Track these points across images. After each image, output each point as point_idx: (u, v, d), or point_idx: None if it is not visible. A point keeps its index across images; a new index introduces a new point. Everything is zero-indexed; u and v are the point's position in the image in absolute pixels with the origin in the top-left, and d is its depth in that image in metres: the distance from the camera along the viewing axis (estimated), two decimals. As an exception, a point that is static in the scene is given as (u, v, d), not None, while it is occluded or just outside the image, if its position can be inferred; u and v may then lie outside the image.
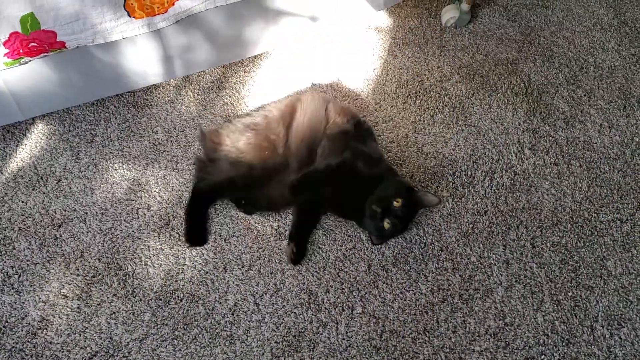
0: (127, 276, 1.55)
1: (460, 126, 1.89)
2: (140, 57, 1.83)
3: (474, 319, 1.47)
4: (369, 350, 1.42)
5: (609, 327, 1.45)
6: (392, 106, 1.95)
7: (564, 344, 1.42)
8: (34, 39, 1.55)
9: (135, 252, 1.59)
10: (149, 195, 1.71)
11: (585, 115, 1.91)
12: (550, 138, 1.84)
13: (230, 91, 1.98)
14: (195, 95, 1.97)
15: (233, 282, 1.53)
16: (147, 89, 1.98)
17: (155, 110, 1.93)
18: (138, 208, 1.68)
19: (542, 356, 1.40)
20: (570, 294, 1.50)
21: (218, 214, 1.66)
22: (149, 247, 1.60)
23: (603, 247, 1.59)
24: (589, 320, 1.46)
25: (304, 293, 1.52)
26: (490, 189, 1.71)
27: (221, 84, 2.00)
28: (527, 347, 1.42)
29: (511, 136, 1.85)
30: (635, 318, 1.46)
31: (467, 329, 1.45)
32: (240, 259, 1.57)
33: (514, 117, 1.91)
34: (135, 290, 1.53)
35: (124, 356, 1.42)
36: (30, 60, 1.64)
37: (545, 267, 1.55)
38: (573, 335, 1.44)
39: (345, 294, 1.52)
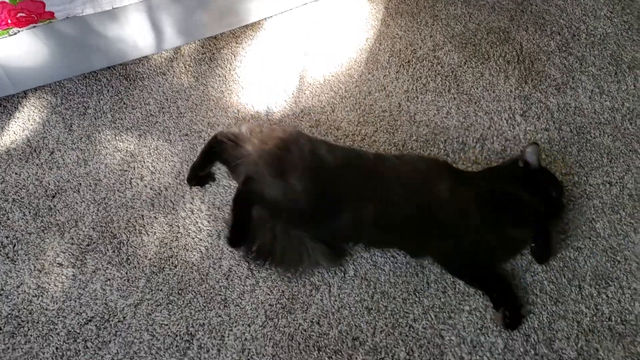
0: (122, 244, 1.57)
1: (453, 94, 1.89)
2: (131, 28, 1.83)
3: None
4: (360, 310, 1.44)
5: (597, 286, 1.47)
6: (384, 75, 1.95)
7: (552, 302, 1.44)
8: (22, 9, 1.55)
9: (129, 221, 1.61)
10: (142, 166, 1.72)
11: (577, 82, 1.91)
12: (542, 104, 1.85)
13: (222, 62, 1.98)
14: (187, 66, 1.98)
15: (227, 249, 1.54)
16: (138, 61, 1.98)
17: (147, 82, 1.93)
18: (131, 178, 1.70)
19: (531, 314, 1.42)
20: (559, 255, 1.51)
21: (211, 183, 1.67)
22: (142, 216, 1.62)
23: (592, 209, 1.61)
24: (577, 280, 1.48)
25: (305, 270, 1.52)
26: (482, 155, 1.72)
27: (212, 55, 2.00)
28: (516, 307, 1.44)
29: (503, 103, 1.86)
30: (622, 277, 1.48)
31: (457, 290, 1.47)
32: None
33: (505, 85, 1.91)
34: (129, 257, 1.54)
35: (119, 321, 1.44)
36: (19, 31, 1.64)
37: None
38: (561, 294, 1.46)
39: (338, 258, 1.53)
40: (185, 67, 1.98)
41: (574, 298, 1.45)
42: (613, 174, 1.68)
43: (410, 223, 1.44)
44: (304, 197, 1.43)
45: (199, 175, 1.65)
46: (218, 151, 1.63)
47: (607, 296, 1.46)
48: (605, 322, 1.42)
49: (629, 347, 1.38)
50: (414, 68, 1.97)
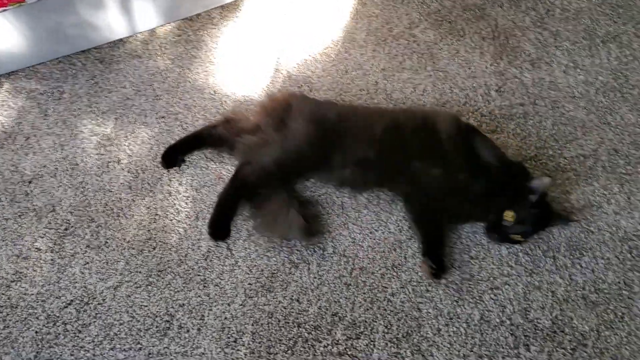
0: (100, 227, 1.56)
1: (429, 72, 1.90)
2: (105, 10, 1.81)
3: (441, 254, 1.51)
4: (339, 286, 1.45)
5: (571, 257, 1.49)
6: (361, 54, 1.95)
7: (527, 274, 1.47)
8: (-9, -8, 1.53)
9: (107, 205, 1.61)
10: (119, 149, 1.71)
11: (551, 57, 1.93)
12: (517, 80, 1.86)
13: (198, 44, 1.97)
14: (163, 49, 1.96)
15: (206, 230, 1.55)
16: (113, 44, 1.96)
17: (122, 66, 1.91)
18: (108, 162, 1.69)
19: (506, 286, 1.45)
20: (533, 228, 1.53)
21: (189, 165, 1.67)
22: (120, 199, 1.61)
23: (567, 182, 1.63)
24: (552, 251, 1.50)
25: (276, 237, 1.54)
26: (458, 131, 1.73)
27: (188, 37, 1.99)
28: (491, 278, 1.46)
29: (478, 79, 1.87)
30: (596, 247, 1.51)
31: (434, 264, 1.48)
32: (212, 207, 1.58)
33: (481, 61, 1.92)
34: (108, 240, 1.54)
35: (98, 303, 1.44)
36: (-11, 15, 1.62)
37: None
38: (536, 265, 1.48)
39: (317, 236, 1.55)
40: (161, 50, 1.96)
41: (548, 269, 1.48)
42: (587, 146, 1.70)
43: (390, 163, 1.51)
44: (305, 140, 1.52)
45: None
46: (208, 135, 1.66)
47: (581, 266, 1.48)
48: (579, 292, 1.45)
49: (602, 315, 1.41)
50: (391, 46, 1.97)
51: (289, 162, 1.54)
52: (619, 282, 1.46)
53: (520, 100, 1.80)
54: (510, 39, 1.98)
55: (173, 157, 1.66)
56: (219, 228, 1.54)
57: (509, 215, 1.39)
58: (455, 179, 1.45)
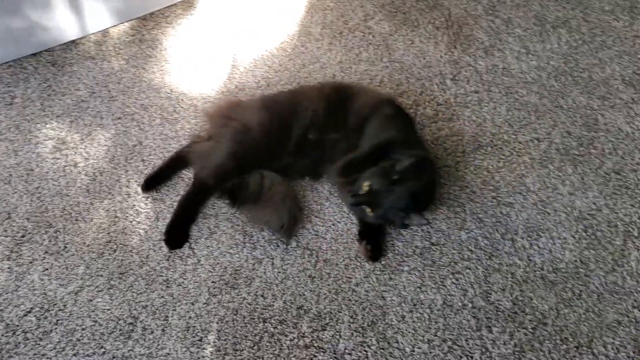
0: (58, 233, 1.54)
1: (385, 63, 1.91)
2: (53, 10, 1.77)
3: (402, 242, 1.52)
4: (304, 279, 1.46)
5: (529, 238, 1.53)
6: (318, 47, 1.96)
7: (487, 257, 1.50)
8: None
9: (64, 209, 1.58)
10: (75, 152, 1.69)
11: (504, 44, 1.96)
12: (471, 68, 1.89)
13: (152, 43, 1.95)
14: (117, 49, 1.93)
15: (162, 237, 1.53)
16: (65, 47, 1.93)
17: (76, 68, 1.88)
18: (65, 166, 1.66)
19: (467, 270, 1.47)
20: (490, 212, 1.56)
21: (147, 166, 1.65)
22: (78, 202, 1.59)
23: (522, 165, 1.66)
24: (510, 234, 1.53)
25: (239, 234, 1.54)
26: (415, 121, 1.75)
27: (142, 36, 1.97)
28: (452, 263, 1.48)
29: (433, 69, 1.89)
30: (552, 228, 1.55)
31: (396, 252, 1.50)
32: (172, 207, 1.57)
33: (435, 51, 1.94)
34: (67, 245, 1.52)
35: (59, 310, 1.41)
36: None
37: (466, 189, 1.61)
38: (495, 248, 1.51)
39: (279, 231, 1.54)
40: (115, 50, 1.93)
41: (507, 251, 1.51)
42: (541, 130, 1.74)
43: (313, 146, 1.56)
44: (257, 126, 1.55)
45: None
46: (184, 157, 1.64)
47: (539, 247, 1.52)
48: (537, 272, 1.48)
49: (560, 293, 1.45)
50: (347, 39, 1.98)
51: (242, 151, 1.54)
52: (576, 261, 1.50)
53: (474, 88, 1.83)
54: (464, 27, 2.01)
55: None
56: (175, 235, 1.52)
57: (365, 185, 1.41)
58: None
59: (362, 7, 2.06)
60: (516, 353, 1.35)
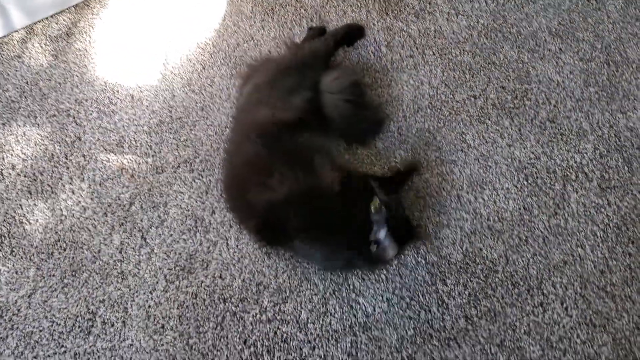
0: (3, 238, 1.49)
1: (320, 35, 1.92)
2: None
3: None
4: (260, 257, 1.47)
5: (473, 192, 1.58)
6: (250, 25, 1.94)
7: (435, 214, 1.54)
8: None
9: (7, 214, 1.53)
10: (12, 155, 1.63)
11: (434, 7, 1.99)
12: (404, 33, 1.92)
13: (80, 36, 1.89)
14: (43, 45, 1.87)
15: (116, 223, 1.51)
16: (-13, 47, 1.85)
17: (1, 68, 1.81)
18: (2, 169, 1.61)
19: (418, 228, 1.51)
20: (436, 171, 1.61)
21: (88, 161, 1.62)
22: (21, 205, 1.55)
23: (461, 123, 1.71)
24: (455, 190, 1.58)
25: (190, 219, 1.53)
26: (355, 90, 1.77)
27: (69, 30, 1.91)
28: (403, 224, 1.52)
29: (368, 37, 1.91)
30: (495, 180, 1.60)
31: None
32: (119, 199, 1.55)
33: (368, 19, 1.96)
34: (14, 249, 1.48)
35: (13, 314, 1.38)
36: None
37: (411, 152, 1.64)
38: (442, 205, 1.56)
39: (231, 211, 1.54)
40: (41, 47, 1.87)
41: (454, 207, 1.56)
42: (476, 87, 1.79)
43: None
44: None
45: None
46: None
47: (484, 199, 1.57)
48: (484, 223, 1.54)
49: (507, 240, 1.51)
50: (279, 14, 1.97)
51: None
52: (520, 209, 1.56)
53: (409, 52, 1.86)
54: (394, -6, 2.03)
55: None
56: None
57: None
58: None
59: (291, -18, 2.05)
60: (471, 302, 1.40)
